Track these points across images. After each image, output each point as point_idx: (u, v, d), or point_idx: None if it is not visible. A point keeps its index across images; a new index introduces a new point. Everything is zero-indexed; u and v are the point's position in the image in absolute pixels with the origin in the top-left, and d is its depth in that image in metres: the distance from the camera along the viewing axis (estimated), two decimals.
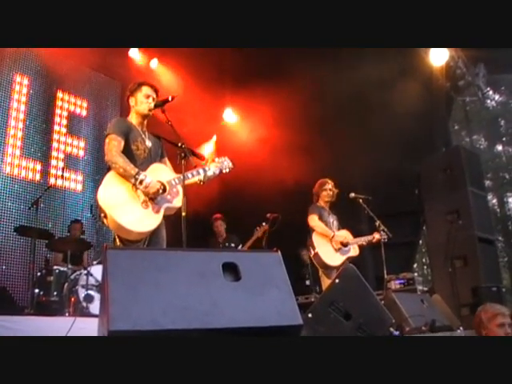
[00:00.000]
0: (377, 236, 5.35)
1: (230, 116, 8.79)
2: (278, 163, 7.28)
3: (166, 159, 3.68)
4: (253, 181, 7.17)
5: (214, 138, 9.08)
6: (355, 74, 6.70)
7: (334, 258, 5.23)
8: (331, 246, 5.28)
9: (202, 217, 6.50)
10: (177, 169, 3.44)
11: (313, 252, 5.29)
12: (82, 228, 6.53)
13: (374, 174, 7.43)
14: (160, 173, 3.40)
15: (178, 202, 3.33)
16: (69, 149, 7.65)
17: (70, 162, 7.61)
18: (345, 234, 5.40)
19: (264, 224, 5.99)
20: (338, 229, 5.50)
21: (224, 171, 3.78)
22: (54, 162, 7.40)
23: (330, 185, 5.51)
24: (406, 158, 7.49)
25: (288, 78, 7.04)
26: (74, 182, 7.58)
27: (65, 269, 5.53)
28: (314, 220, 5.35)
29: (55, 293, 5.37)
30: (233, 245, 6.49)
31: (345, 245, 5.30)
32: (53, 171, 7.34)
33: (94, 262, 5.56)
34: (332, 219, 5.49)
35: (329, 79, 6.87)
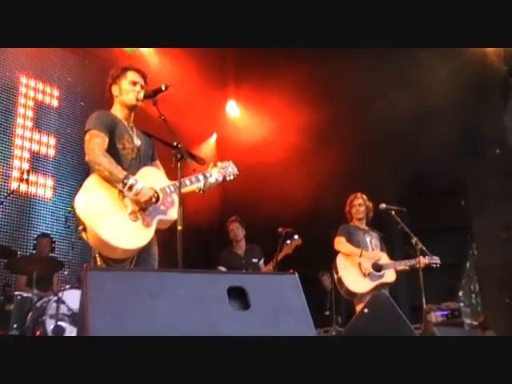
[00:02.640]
0: (424, 260, 5.41)
1: (234, 109, 8.94)
2: (292, 167, 7.39)
3: (158, 162, 3.75)
4: (262, 188, 7.29)
5: (215, 136, 9.24)
6: (376, 69, 6.83)
7: (360, 284, 5.34)
8: (359, 269, 5.41)
9: (200, 231, 6.62)
10: (171, 174, 3.48)
11: (336, 276, 5.44)
12: (51, 244, 6.61)
13: (410, 181, 7.49)
14: (152, 178, 3.45)
15: (173, 213, 3.38)
16: (36, 147, 7.73)
17: (38, 162, 7.69)
18: (382, 256, 5.53)
19: (296, 238, 6.14)
20: (381, 250, 5.64)
21: (228, 178, 3.86)
22: (16, 163, 7.46)
23: (359, 200, 5.74)
24: (448, 162, 7.52)
25: (306, 65, 7.15)
26: (42, 188, 7.67)
27: (29, 294, 5.56)
28: (338, 242, 5.57)
29: (15, 325, 5.38)
30: (255, 260, 6.47)
31: (377, 269, 5.38)
32: (15, 174, 7.40)
33: (67, 286, 5.61)
34: (369, 238, 5.67)
35: (352, 76, 6.99)
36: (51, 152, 7.91)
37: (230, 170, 3.88)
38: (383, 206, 5.61)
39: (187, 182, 3.55)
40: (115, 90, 3.63)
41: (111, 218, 3.18)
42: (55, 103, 8.10)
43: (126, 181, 3.22)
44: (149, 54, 8.06)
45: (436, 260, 5.49)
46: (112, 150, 3.39)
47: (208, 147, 9.00)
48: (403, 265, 5.50)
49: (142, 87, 3.61)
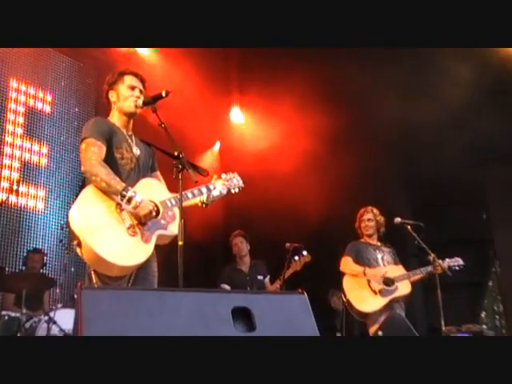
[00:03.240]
0: (442, 264, 5.33)
1: (238, 116, 9.01)
2: (301, 177, 7.42)
3: (159, 173, 3.80)
4: (268, 200, 7.32)
5: (218, 144, 9.28)
6: (391, 71, 6.86)
7: (370, 303, 5.37)
8: (368, 288, 5.44)
9: (202, 246, 6.63)
10: (172, 186, 3.52)
11: (345, 299, 5.50)
12: (43, 260, 6.63)
13: (425, 190, 7.49)
14: (152, 190, 3.49)
15: (173, 228, 3.42)
16: (26, 155, 7.73)
17: (29, 172, 7.69)
18: (388, 269, 5.52)
19: (305, 254, 6.17)
20: (395, 265, 5.65)
21: (232, 191, 3.90)
22: (5, 173, 7.46)
23: (368, 214, 5.77)
24: (467, 170, 7.48)
25: (315, 66, 7.19)
26: (33, 199, 7.67)
27: (17, 314, 5.55)
28: (344, 263, 5.63)
29: None
30: (260, 277, 6.50)
31: (389, 283, 5.40)
32: (4, 184, 7.42)
33: (59, 306, 5.65)
34: (381, 254, 5.69)
35: (365, 78, 7.03)
36: (43, 161, 7.90)
37: (235, 182, 3.92)
38: (398, 220, 5.58)
39: (189, 195, 3.58)
40: (112, 95, 3.67)
41: (108, 232, 3.20)
42: (48, 109, 8.11)
43: (124, 193, 3.24)
44: (148, 56, 8.08)
45: (458, 261, 5.43)
46: (109, 160, 3.42)
47: (211, 156, 9.04)
48: (418, 274, 5.47)
49: (140, 92, 3.65)
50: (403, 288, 5.44)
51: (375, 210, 5.80)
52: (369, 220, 5.75)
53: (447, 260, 5.42)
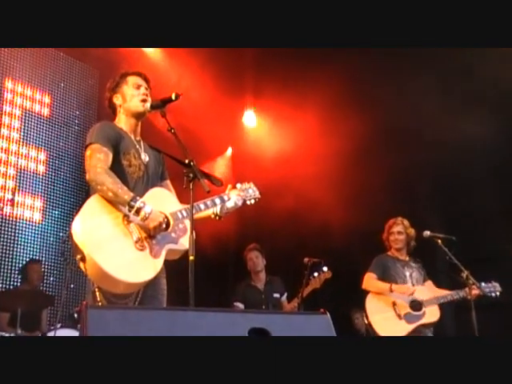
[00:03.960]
0: (477, 291, 5.27)
1: (252, 119, 9.07)
2: (320, 185, 7.42)
3: (169, 182, 3.83)
4: (285, 210, 7.33)
5: (230, 150, 9.30)
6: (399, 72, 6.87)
7: (394, 329, 5.32)
8: (393, 310, 5.40)
9: (214, 261, 6.62)
10: (182, 196, 3.53)
11: (366, 321, 5.48)
12: (42, 272, 6.68)
13: (459, 203, 7.47)
14: (161, 201, 3.50)
15: (185, 242, 3.40)
16: (23, 162, 7.80)
17: (25, 180, 7.77)
18: (416, 289, 5.48)
19: (325, 270, 6.19)
20: (423, 282, 5.62)
21: (248, 202, 3.93)
22: (0, 181, 7.53)
23: (398, 226, 5.71)
24: (504, 174, 7.43)
25: (336, 66, 7.20)
26: (29, 210, 7.73)
27: (12, 335, 5.58)
28: (367, 280, 5.59)
29: None
30: (277, 295, 6.51)
31: (417, 307, 5.37)
32: None
33: (58, 325, 5.66)
34: (409, 271, 5.65)
35: (394, 79, 7.05)
36: (41, 168, 7.97)
37: (251, 192, 3.95)
38: (427, 233, 5.49)
39: (202, 207, 3.60)
40: (117, 99, 3.70)
41: (114, 246, 3.20)
42: (46, 111, 8.19)
43: (132, 203, 3.24)
44: (154, 54, 8.07)
45: (495, 287, 5.36)
46: (116, 167, 3.44)
47: (222, 164, 9.07)
48: (449, 298, 5.42)
49: (147, 90, 3.69)
50: (431, 314, 5.40)
51: (406, 222, 5.75)
52: (399, 233, 5.71)
53: (483, 284, 5.33)
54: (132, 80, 3.69)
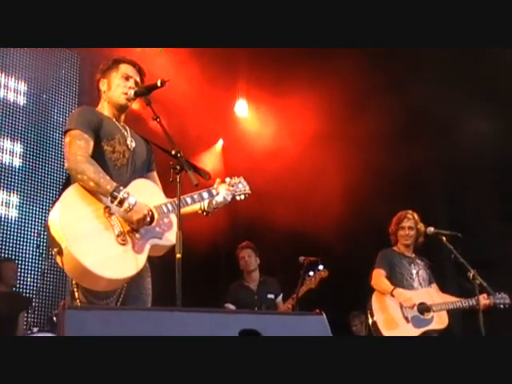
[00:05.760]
0: (486, 301, 5.25)
1: (243, 110, 9.05)
2: (317, 178, 7.42)
3: (155, 174, 3.79)
4: (278, 205, 7.33)
5: (221, 142, 9.30)
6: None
7: (399, 332, 5.28)
8: (400, 312, 5.37)
9: (203, 259, 6.61)
10: (169, 189, 3.49)
11: (371, 320, 5.41)
12: (16, 271, 6.64)
13: (465, 198, 7.48)
14: (146, 193, 3.46)
15: (170, 237, 3.38)
16: None
17: None
18: (422, 293, 5.48)
19: (321, 269, 6.17)
20: (430, 284, 5.60)
21: (238, 198, 3.90)
22: None
23: (409, 221, 5.62)
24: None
25: (330, 59, 7.20)
26: (4, 206, 7.68)
27: None
28: (375, 277, 5.51)
29: None
30: (271, 296, 6.46)
31: (424, 311, 5.35)
32: None
33: (35, 330, 5.65)
34: (416, 269, 5.61)
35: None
36: (16, 162, 7.90)
37: (241, 187, 3.92)
38: (431, 229, 5.51)
39: (188, 201, 3.56)
40: (103, 84, 3.66)
41: (94, 239, 3.16)
42: (21, 100, 8.10)
43: (115, 193, 3.20)
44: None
45: (504, 298, 5.33)
46: (97, 154, 3.40)
47: (212, 156, 9.07)
48: (458, 306, 5.39)
49: (136, 84, 3.63)
50: (439, 321, 5.37)
51: (416, 216, 5.66)
52: (410, 228, 5.61)
53: (491, 296, 5.28)
54: (123, 69, 3.65)
